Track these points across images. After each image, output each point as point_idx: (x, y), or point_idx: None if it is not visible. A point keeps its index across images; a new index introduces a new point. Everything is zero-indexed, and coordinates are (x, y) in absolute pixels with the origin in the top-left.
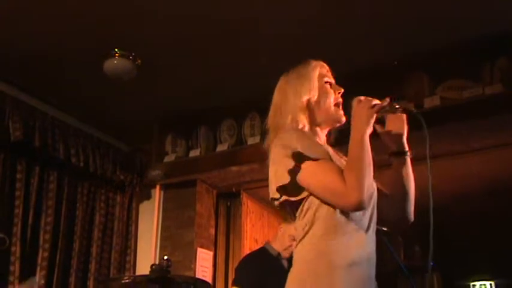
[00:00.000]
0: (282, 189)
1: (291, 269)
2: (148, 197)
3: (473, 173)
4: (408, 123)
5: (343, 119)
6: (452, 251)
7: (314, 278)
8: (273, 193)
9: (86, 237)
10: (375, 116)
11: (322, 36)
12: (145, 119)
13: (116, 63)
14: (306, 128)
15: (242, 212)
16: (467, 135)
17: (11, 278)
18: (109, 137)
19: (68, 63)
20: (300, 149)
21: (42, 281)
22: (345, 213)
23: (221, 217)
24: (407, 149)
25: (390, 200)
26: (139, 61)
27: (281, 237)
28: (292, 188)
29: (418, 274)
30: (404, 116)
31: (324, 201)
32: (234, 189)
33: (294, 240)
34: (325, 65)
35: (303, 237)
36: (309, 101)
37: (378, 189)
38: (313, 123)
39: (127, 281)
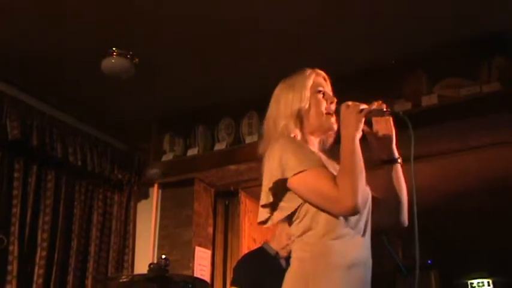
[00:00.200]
0: (268, 207)
1: (289, 269)
2: (146, 196)
3: (471, 172)
4: (396, 126)
5: (335, 127)
6: (451, 249)
7: (313, 278)
8: (263, 214)
9: (84, 236)
10: (363, 120)
11: (320, 35)
12: (143, 118)
13: (113, 62)
14: (298, 136)
15: (240, 211)
16: (465, 133)
17: (9, 278)
18: (107, 136)
19: (66, 62)
20: (288, 162)
21: (41, 280)
22: (342, 218)
23: (219, 216)
24: (397, 156)
25: (383, 207)
26: (137, 60)
27: (278, 237)
28: (281, 199)
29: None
30: (391, 120)
31: (319, 208)
32: (232, 188)
33: (291, 239)
34: (321, 72)
35: (301, 237)
36: (300, 110)
37: (371, 195)
38: (305, 131)
39: (125, 280)
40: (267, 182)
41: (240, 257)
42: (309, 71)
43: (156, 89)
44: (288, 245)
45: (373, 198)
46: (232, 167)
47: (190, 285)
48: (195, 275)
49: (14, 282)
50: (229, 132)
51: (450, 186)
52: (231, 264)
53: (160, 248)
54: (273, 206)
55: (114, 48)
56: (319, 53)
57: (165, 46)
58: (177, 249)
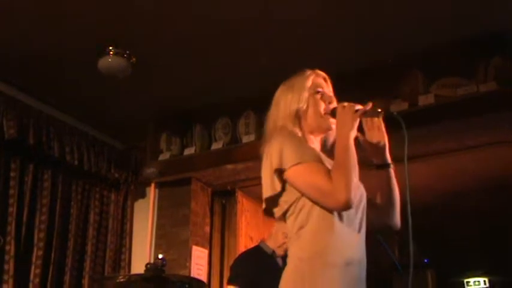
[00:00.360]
0: (272, 200)
1: (285, 268)
2: (143, 195)
3: (468, 171)
4: (391, 126)
5: (333, 127)
6: (447, 248)
7: (309, 277)
8: (265, 204)
9: (80, 236)
10: (358, 120)
11: (318, 36)
12: (140, 117)
13: (110, 61)
14: (299, 135)
15: (237, 210)
16: (462, 133)
17: (5, 277)
18: (104, 135)
19: (63, 62)
20: (287, 154)
21: (37, 280)
22: (337, 213)
23: (216, 215)
24: (389, 161)
25: (376, 210)
26: (134, 59)
27: (275, 235)
28: (282, 195)
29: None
30: (383, 126)
31: (314, 201)
32: (229, 187)
33: (287, 237)
34: (321, 73)
35: (297, 238)
36: (298, 110)
37: (366, 196)
38: (304, 131)
39: (122, 280)
40: (268, 173)
41: (237, 255)
42: (308, 72)
43: (153, 89)
44: (284, 243)
45: (367, 199)
46: (229, 166)
47: (186, 285)
48: (192, 274)
49: (11, 281)
50: (226, 132)
51: (447, 186)
52: (228, 263)
53: (157, 247)
54: (274, 200)
55: (111, 48)
56: (317, 53)
57: (162, 45)
58: (174, 249)
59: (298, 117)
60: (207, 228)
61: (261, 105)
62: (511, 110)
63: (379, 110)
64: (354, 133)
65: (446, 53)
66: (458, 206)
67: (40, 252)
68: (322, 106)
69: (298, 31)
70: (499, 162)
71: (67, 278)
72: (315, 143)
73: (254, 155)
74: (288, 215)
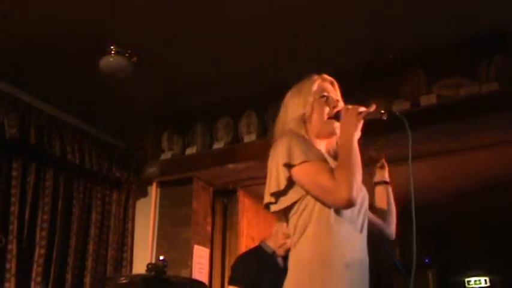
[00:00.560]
0: (276, 195)
1: (288, 272)
2: (144, 194)
3: (470, 171)
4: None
5: (337, 131)
6: (448, 248)
7: (312, 278)
8: (268, 198)
9: (82, 235)
10: (362, 122)
11: (319, 35)
12: (142, 117)
13: (111, 60)
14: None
15: (239, 210)
16: (464, 133)
17: (7, 276)
18: (105, 135)
19: (64, 61)
20: (294, 151)
21: (39, 278)
22: (340, 214)
23: (217, 214)
24: (388, 180)
25: (371, 222)
26: (135, 58)
27: (275, 235)
28: (286, 192)
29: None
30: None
31: (317, 199)
32: (230, 187)
33: (288, 237)
34: (328, 77)
35: (299, 238)
36: (304, 114)
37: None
38: (310, 134)
39: (123, 281)
40: (275, 168)
41: (238, 255)
42: (315, 77)
43: (154, 88)
44: (284, 243)
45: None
46: (230, 165)
47: (188, 287)
48: (193, 274)
49: (13, 280)
50: (227, 131)
51: (448, 186)
52: (230, 262)
53: (159, 247)
54: (278, 196)
55: (112, 47)
56: (319, 53)
57: (164, 45)
58: (175, 248)
59: (304, 121)
60: (209, 228)
61: (263, 104)
62: None
63: (383, 112)
64: (357, 134)
65: (448, 53)
66: (460, 205)
67: (42, 251)
68: (327, 110)
69: (300, 30)
70: (501, 162)
71: (69, 276)
72: (321, 146)
73: (256, 155)
74: (290, 214)
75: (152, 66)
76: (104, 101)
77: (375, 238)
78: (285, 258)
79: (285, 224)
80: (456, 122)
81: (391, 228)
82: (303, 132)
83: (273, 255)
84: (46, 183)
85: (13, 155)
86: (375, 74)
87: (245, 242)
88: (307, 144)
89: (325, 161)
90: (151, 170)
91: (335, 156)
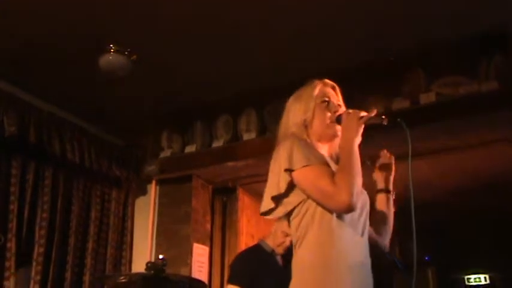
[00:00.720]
0: (276, 199)
1: (292, 276)
2: (144, 192)
3: (469, 169)
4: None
5: (339, 134)
6: (448, 245)
7: (313, 283)
8: (268, 203)
9: (81, 233)
10: (363, 126)
11: (319, 34)
12: (141, 115)
13: (111, 59)
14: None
15: (238, 208)
16: (463, 131)
17: (7, 274)
18: (105, 133)
19: (64, 59)
20: (295, 156)
21: (38, 277)
22: (341, 217)
23: (217, 212)
24: (391, 189)
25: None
26: (134, 57)
27: (274, 234)
28: (288, 195)
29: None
30: (393, 159)
31: (318, 203)
32: (229, 185)
33: (287, 236)
34: (329, 82)
35: (301, 241)
36: (305, 120)
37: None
38: (312, 138)
39: (123, 280)
40: (276, 172)
41: (237, 254)
42: (316, 82)
43: (153, 86)
44: (283, 242)
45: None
46: (230, 163)
47: (187, 285)
48: (192, 272)
49: (12, 278)
50: (227, 130)
51: (448, 184)
52: (229, 260)
53: (158, 245)
54: (278, 200)
55: (111, 45)
56: (318, 51)
57: (163, 43)
58: (175, 246)
59: (305, 125)
60: (208, 226)
61: (262, 102)
62: None
63: (383, 117)
64: (358, 139)
65: (448, 52)
66: (459, 203)
67: (41, 250)
68: (328, 115)
69: (299, 30)
70: (500, 160)
71: (68, 275)
72: (323, 150)
73: (255, 153)
74: (292, 217)
75: (151, 64)
76: (104, 99)
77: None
78: (284, 256)
79: (284, 223)
80: (455, 120)
81: (386, 241)
82: (304, 136)
83: (272, 254)
84: (45, 181)
85: (12, 154)
86: (375, 72)
87: (245, 240)
88: (309, 148)
89: (326, 164)
90: (151, 168)
91: (337, 160)
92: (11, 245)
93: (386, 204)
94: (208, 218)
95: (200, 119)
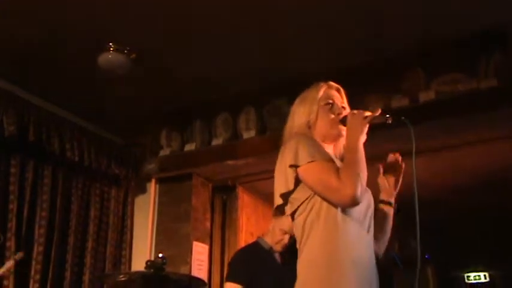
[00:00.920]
0: (285, 196)
1: (298, 272)
2: (143, 190)
3: (468, 167)
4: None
5: (342, 134)
6: (447, 243)
7: (319, 279)
8: (278, 200)
9: (81, 232)
10: (367, 125)
11: (318, 32)
12: (140, 113)
13: (110, 57)
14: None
15: (238, 206)
16: (462, 129)
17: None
18: (104, 131)
19: (63, 58)
20: (301, 152)
21: (38, 276)
22: (347, 213)
23: (217, 211)
24: (393, 201)
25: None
26: (134, 55)
27: (272, 231)
28: (295, 192)
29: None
30: (400, 160)
31: (323, 198)
32: (229, 183)
33: (285, 233)
34: (333, 84)
35: (307, 238)
36: (309, 121)
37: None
38: (316, 138)
39: (122, 278)
40: (283, 170)
41: (235, 252)
42: (320, 84)
43: (153, 84)
44: (282, 239)
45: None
46: (229, 162)
47: (187, 284)
48: (192, 270)
49: (12, 277)
50: (226, 128)
51: (447, 181)
52: (229, 258)
53: (158, 243)
54: (285, 198)
55: (111, 44)
56: (318, 50)
57: (162, 41)
58: (174, 244)
59: (309, 127)
60: (208, 224)
61: (262, 101)
62: (511, 106)
63: (388, 116)
64: (363, 138)
65: (447, 50)
66: (459, 201)
67: (40, 248)
68: (331, 116)
69: (298, 27)
70: (499, 157)
71: (68, 274)
72: (328, 150)
73: (254, 151)
74: (297, 214)
75: (151, 63)
76: (103, 97)
77: None
78: (282, 254)
79: (282, 220)
80: (454, 118)
81: (382, 248)
82: (309, 135)
83: (270, 251)
84: (44, 180)
85: (12, 153)
86: (374, 71)
87: (244, 238)
88: (315, 145)
89: (332, 161)
90: (150, 166)
91: (342, 160)
92: (11, 244)
93: (386, 215)
94: (208, 216)
95: (199, 118)
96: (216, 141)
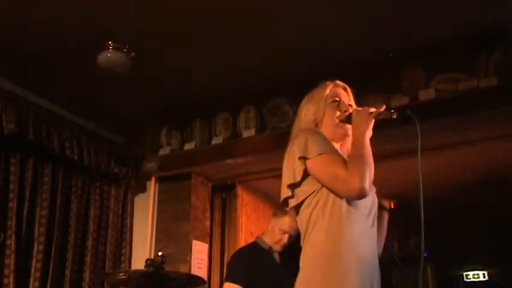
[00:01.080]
0: (292, 188)
1: (301, 264)
2: (143, 189)
3: (468, 165)
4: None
5: (349, 132)
6: (447, 242)
7: (321, 272)
8: (286, 192)
9: (81, 230)
10: (373, 121)
11: (318, 30)
12: (140, 112)
13: (109, 55)
14: None
15: (237, 205)
16: (462, 127)
17: (6, 271)
18: (104, 130)
19: (62, 56)
20: (310, 145)
21: (38, 274)
22: (353, 208)
23: (216, 209)
24: (387, 205)
25: None
26: (133, 54)
27: (271, 231)
28: (302, 184)
29: (412, 265)
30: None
31: (331, 190)
32: (229, 182)
33: (284, 233)
34: (340, 83)
35: (311, 231)
36: (315, 119)
37: None
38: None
39: (122, 277)
40: (291, 163)
41: (234, 252)
42: (327, 83)
43: (152, 83)
44: (281, 239)
45: None
46: (229, 161)
47: (186, 282)
48: (192, 269)
49: (12, 276)
50: (226, 127)
51: (447, 180)
52: (229, 257)
53: (158, 242)
54: (293, 189)
55: (110, 42)
56: (317, 48)
57: (162, 40)
58: (174, 243)
59: (315, 124)
60: (208, 223)
61: (261, 100)
62: (511, 104)
63: (392, 111)
64: (369, 133)
65: (447, 48)
66: (459, 199)
67: (41, 247)
68: (337, 114)
69: (299, 27)
70: (499, 156)
71: (68, 272)
72: (336, 147)
73: (254, 150)
74: (302, 207)
75: (150, 61)
76: (103, 96)
77: None
78: (281, 253)
79: (282, 220)
80: (455, 116)
81: (380, 247)
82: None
83: (269, 251)
84: (44, 178)
85: (11, 151)
86: (374, 69)
87: (244, 237)
88: (323, 139)
89: (339, 154)
90: (150, 165)
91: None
92: (11, 242)
93: (382, 219)
94: (208, 215)
95: (199, 116)
96: (216, 140)
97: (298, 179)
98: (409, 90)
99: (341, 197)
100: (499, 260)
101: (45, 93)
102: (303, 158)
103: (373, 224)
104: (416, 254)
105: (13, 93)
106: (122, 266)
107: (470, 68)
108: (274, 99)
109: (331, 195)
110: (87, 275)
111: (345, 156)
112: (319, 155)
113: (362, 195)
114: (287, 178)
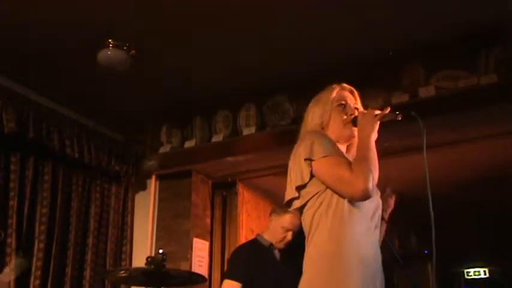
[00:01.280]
0: (299, 189)
1: (304, 264)
2: (143, 187)
3: (468, 163)
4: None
5: (354, 134)
6: (448, 239)
7: (324, 272)
8: (293, 193)
9: (81, 228)
10: (378, 123)
11: (318, 28)
12: (140, 110)
13: (110, 53)
14: None
15: (238, 202)
16: (462, 125)
17: (7, 270)
18: (104, 128)
19: (62, 54)
20: (315, 147)
21: (39, 272)
22: (356, 209)
23: (217, 207)
24: (386, 218)
25: None
26: (133, 52)
27: (273, 230)
28: (308, 186)
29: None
30: (394, 197)
31: (335, 191)
32: (229, 180)
33: (287, 231)
34: (347, 86)
35: (315, 231)
36: (322, 122)
37: None
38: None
39: (123, 274)
40: (297, 164)
41: (234, 249)
42: (334, 86)
43: (153, 81)
44: (285, 237)
45: None
46: (229, 158)
47: (187, 280)
48: (193, 266)
49: (12, 274)
50: (226, 124)
51: (447, 177)
52: (229, 255)
53: (158, 240)
54: (300, 190)
55: (110, 40)
56: (317, 46)
57: (162, 38)
58: (175, 241)
59: (322, 127)
60: (208, 220)
61: (262, 97)
62: (511, 102)
63: (397, 113)
64: (374, 135)
65: (447, 45)
66: (459, 197)
67: (41, 245)
68: (344, 117)
69: (298, 26)
70: (499, 153)
71: (69, 270)
72: (342, 149)
73: (254, 147)
74: (306, 208)
75: (150, 60)
76: (103, 94)
77: None
78: (282, 251)
79: (284, 218)
80: (454, 114)
81: None
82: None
83: (269, 248)
84: (45, 177)
85: (11, 149)
86: (374, 67)
87: (245, 235)
88: (329, 141)
89: (344, 156)
90: (150, 163)
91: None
92: (11, 240)
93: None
94: (208, 212)
95: (199, 114)
96: (216, 138)
97: (307, 180)
98: (409, 87)
99: (344, 198)
100: (499, 258)
101: (45, 91)
102: (309, 160)
103: (376, 226)
104: (418, 251)
105: (13, 91)
106: (123, 263)
107: (470, 65)
108: (275, 97)
109: (335, 196)
110: (87, 273)
111: (351, 159)
112: (324, 157)
113: (366, 196)
114: (294, 179)
